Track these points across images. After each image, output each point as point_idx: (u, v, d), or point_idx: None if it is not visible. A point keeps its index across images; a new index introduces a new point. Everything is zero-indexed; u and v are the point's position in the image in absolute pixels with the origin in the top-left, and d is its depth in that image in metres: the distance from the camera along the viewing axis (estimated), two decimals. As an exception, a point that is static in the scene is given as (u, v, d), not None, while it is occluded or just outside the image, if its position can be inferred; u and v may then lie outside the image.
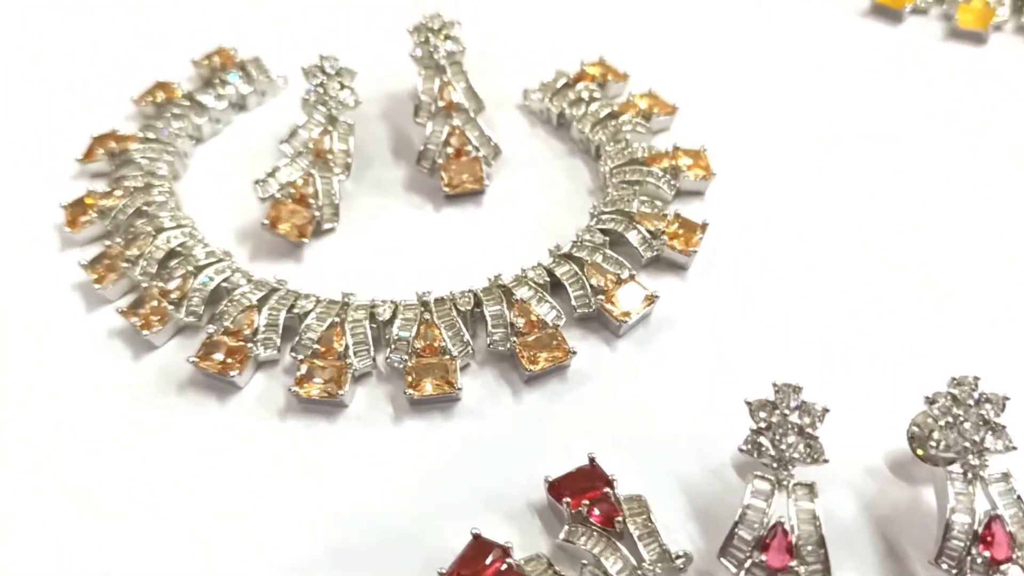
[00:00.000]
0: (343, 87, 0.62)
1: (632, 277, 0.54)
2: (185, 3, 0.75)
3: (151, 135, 0.63)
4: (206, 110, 0.65)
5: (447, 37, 0.64)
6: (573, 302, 0.54)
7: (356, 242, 0.59)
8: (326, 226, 0.59)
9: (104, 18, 0.75)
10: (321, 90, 0.61)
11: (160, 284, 0.54)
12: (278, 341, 0.53)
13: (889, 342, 0.52)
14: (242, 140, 0.66)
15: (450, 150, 0.61)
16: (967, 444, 0.42)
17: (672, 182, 0.59)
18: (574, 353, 0.51)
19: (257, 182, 0.58)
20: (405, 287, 0.56)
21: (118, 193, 0.59)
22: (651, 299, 0.53)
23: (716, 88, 0.67)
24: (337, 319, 0.52)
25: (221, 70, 0.67)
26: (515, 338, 0.51)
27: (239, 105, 0.67)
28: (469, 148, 0.60)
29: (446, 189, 0.60)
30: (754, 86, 0.68)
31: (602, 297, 0.53)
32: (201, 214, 0.61)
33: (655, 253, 0.55)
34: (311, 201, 0.58)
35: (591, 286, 0.53)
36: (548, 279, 0.54)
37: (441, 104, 0.61)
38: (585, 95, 0.64)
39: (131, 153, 0.62)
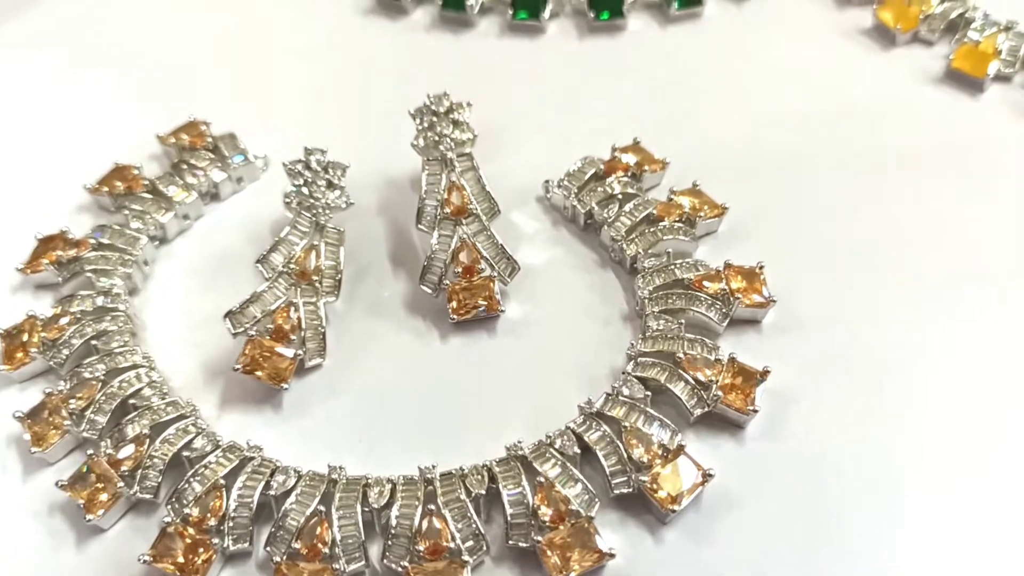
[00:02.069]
0: (331, 186, 0.51)
1: (681, 449, 0.44)
2: (150, 68, 0.64)
3: (105, 239, 0.52)
4: (172, 205, 0.54)
5: (455, 123, 0.53)
6: (608, 475, 0.43)
7: (346, 381, 0.49)
8: (311, 363, 0.48)
9: (52, 79, 0.64)
10: (305, 192, 0.51)
11: (109, 451, 0.44)
12: (250, 527, 0.43)
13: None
14: (214, 239, 0.56)
15: (459, 268, 0.50)
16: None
17: (724, 310, 0.48)
18: (612, 556, 0.41)
19: (229, 315, 0.48)
20: (403, 443, 0.46)
21: (64, 321, 0.49)
22: (705, 477, 0.43)
23: (768, 177, 0.57)
24: (322, 508, 0.42)
25: (190, 151, 0.57)
26: (539, 537, 0.41)
27: (211, 194, 0.56)
28: (481, 265, 0.50)
29: (454, 316, 0.49)
30: (811, 173, 0.57)
31: (645, 478, 0.43)
32: (163, 341, 0.51)
33: (706, 410, 0.45)
34: (292, 337, 0.48)
35: (631, 458, 0.43)
36: (578, 449, 0.44)
37: (448, 210, 0.51)
38: (617, 189, 0.53)
39: (81, 263, 0.51)
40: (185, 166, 0.56)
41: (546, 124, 0.61)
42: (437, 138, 0.53)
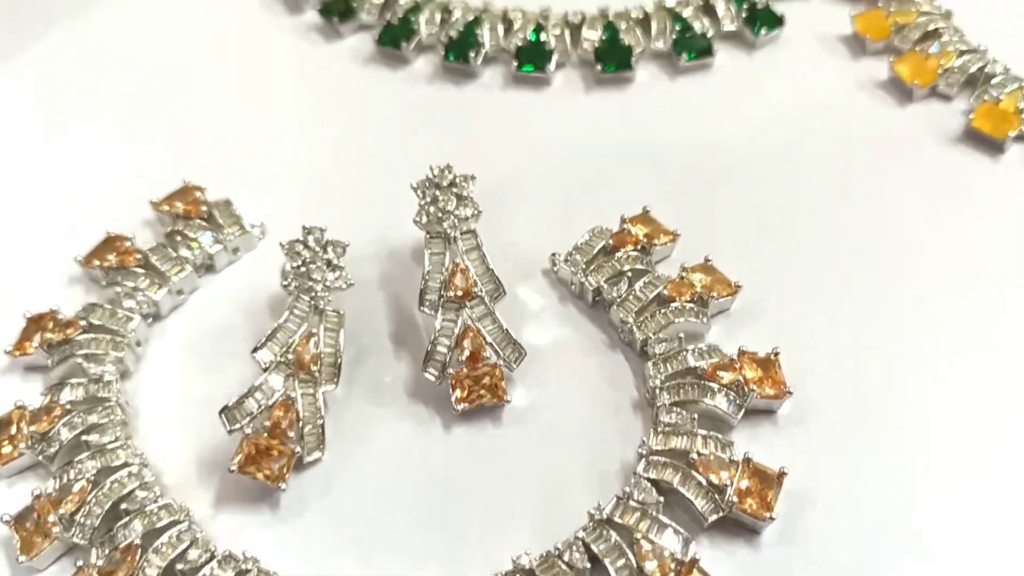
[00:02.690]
0: (331, 266, 0.49)
1: (695, 563, 0.41)
2: (142, 127, 0.62)
3: (95, 319, 0.50)
4: (166, 281, 0.52)
5: (459, 198, 0.50)
6: (619, 591, 0.41)
7: (345, 477, 0.47)
8: (309, 459, 0.46)
9: (39, 140, 0.61)
10: (303, 273, 0.48)
11: (99, 563, 0.42)
12: (247, 648, 0.40)
13: None
14: (210, 313, 0.54)
15: (463, 356, 0.48)
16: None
17: (738, 402, 0.46)
18: None
19: (224, 411, 0.45)
20: (405, 545, 0.44)
21: (54, 412, 0.47)
22: (720, 595, 0.41)
23: (782, 244, 0.55)
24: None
25: (184, 219, 0.54)
26: (549, 665, 0.39)
27: (207, 265, 0.54)
28: (487, 353, 0.48)
29: (458, 407, 0.47)
30: (827, 239, 0.55)
31: (658, 598, 0.41)
32: (156, 428, 0.49)
33: (721, 515, 0.43)
34: (290, 433, 0.45)
35: (642, 572, 0.41)
36: (588, 563, 0.42)
37: (452, 293, 0.48)
38: (626, 266, 0.51)
39: (72, 346, 0.49)
40: (179, 237, 0.54)
41: (552, 184, 0.58)
42: (440, 214, 0.50)
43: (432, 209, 0.50)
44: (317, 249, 0.50)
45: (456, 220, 0.50)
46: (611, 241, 0.52)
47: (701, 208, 0.56)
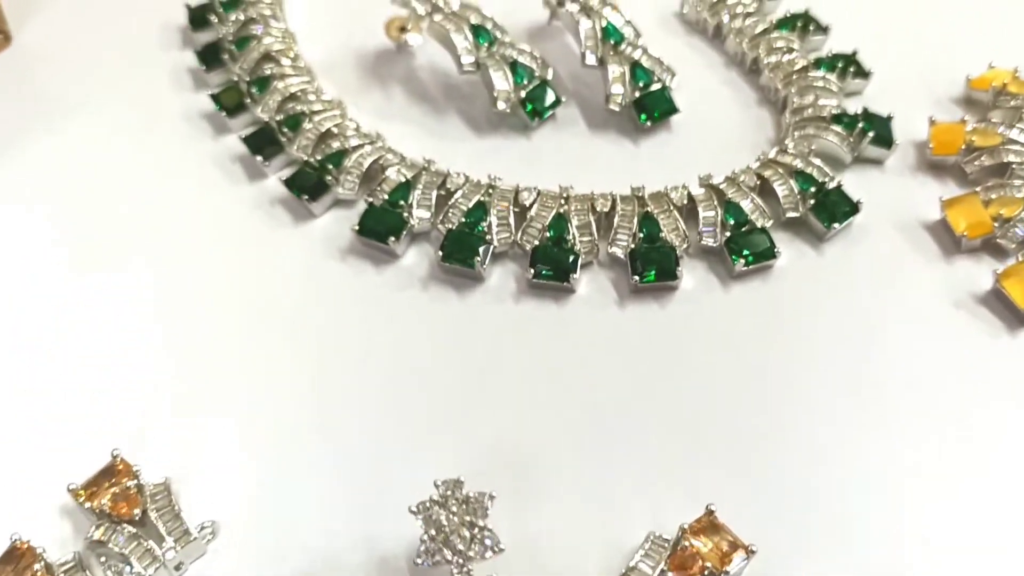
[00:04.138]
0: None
1: None
2: (59, 364, 0.47)
3: None
4: (84, 635, 0.38)
5: (471, 526, 0.36)
6: None
7: None
8: None
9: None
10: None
11: None
12: None
13: None
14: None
15: None
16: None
17: None
18: None
19: None
20: None
21: None
22: None
23: (879, 542, 0.41)
24: None
25: (112, 522, 0.40)
26: None
27: (142, 587, 0.40)
28: None
29: None
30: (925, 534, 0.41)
31: None
32: None
33: None
34: None
35: None
36: None
37: None
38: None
39: None
40: (104, 557, 0.39)
41: (581, 437, 0.45)
42: (450, 554, 0.36)
43: (436, 545, 0.36)
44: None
45: (469, 566, 0.36)
46: (671, 573, 0.38)
47: (771, 475, 0.43)
